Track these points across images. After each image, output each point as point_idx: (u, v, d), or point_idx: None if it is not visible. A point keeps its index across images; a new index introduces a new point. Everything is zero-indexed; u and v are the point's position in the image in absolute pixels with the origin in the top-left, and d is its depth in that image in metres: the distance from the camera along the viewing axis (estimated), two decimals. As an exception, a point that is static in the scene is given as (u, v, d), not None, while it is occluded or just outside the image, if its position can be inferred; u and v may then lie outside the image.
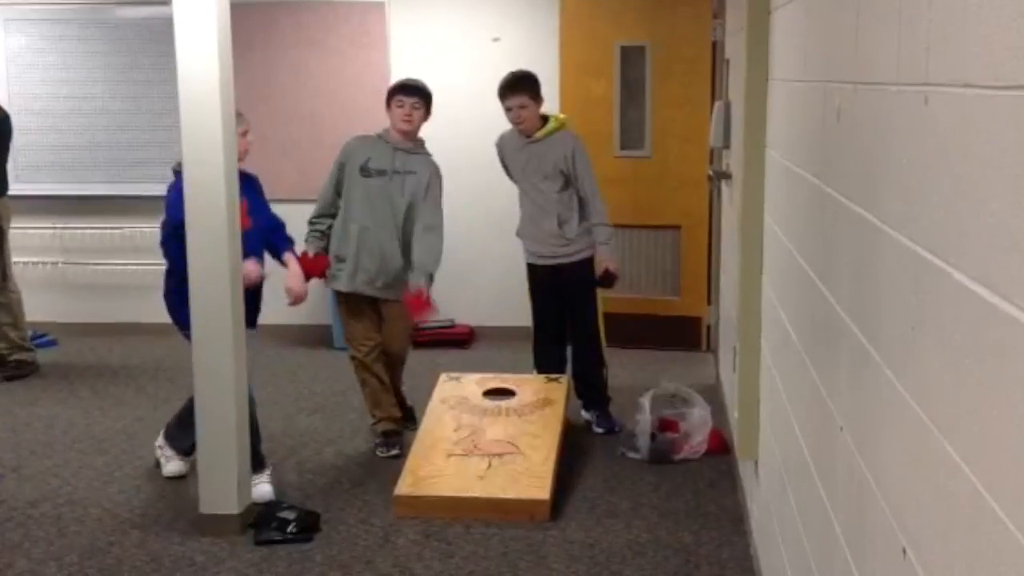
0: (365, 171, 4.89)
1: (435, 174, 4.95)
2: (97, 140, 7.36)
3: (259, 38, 6.99)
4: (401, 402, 5.22)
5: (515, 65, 5.34)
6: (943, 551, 1.40)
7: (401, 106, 4.88)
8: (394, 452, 4.88)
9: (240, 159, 4.26)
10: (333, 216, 4.96)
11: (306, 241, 4.97)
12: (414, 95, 4.90)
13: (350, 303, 4.98)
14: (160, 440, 4.81)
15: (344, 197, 4.94)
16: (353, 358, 5.00)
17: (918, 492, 1.53)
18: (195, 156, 3.96)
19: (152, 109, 7.23)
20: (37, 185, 7.08)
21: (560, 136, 5.14)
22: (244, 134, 4.38)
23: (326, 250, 4.95)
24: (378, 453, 4.94)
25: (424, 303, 4.84)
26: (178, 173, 4.23)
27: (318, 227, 4.97)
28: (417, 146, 4.98)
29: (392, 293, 4.94)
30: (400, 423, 5.05)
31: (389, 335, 5.02)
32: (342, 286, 4.93)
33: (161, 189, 7.40)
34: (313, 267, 4.86)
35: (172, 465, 4.70)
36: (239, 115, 4.25)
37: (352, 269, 4.88)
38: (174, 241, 4.28)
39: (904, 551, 1.58)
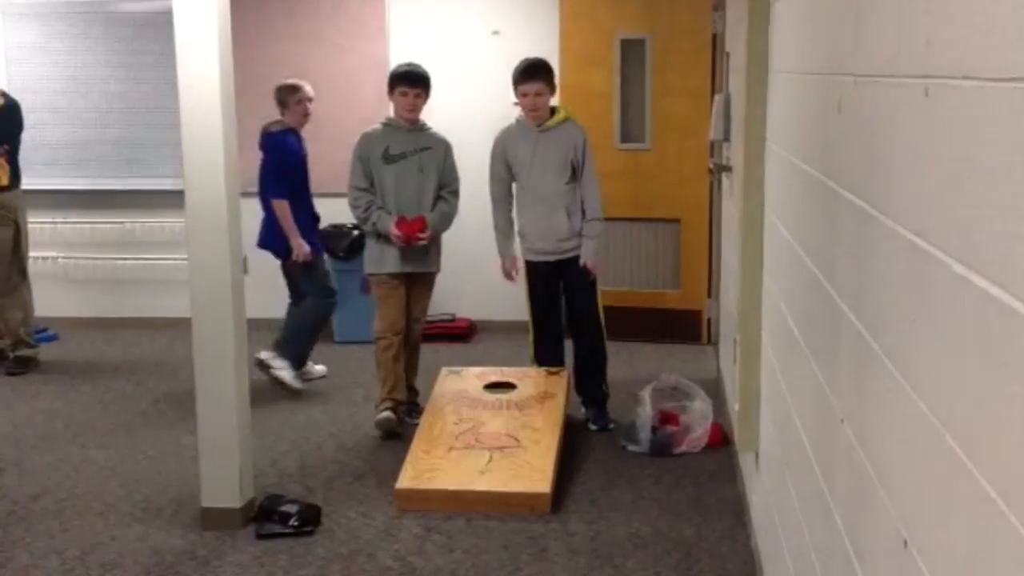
0: (388, 158, 5.10)
1: (447, 145, 5.25)
2: (98, 134, 7.37)
3: (258, 31, 6.99)
4: (411, 388, 5.34)
5: (515, 58, 5.33)
6: (944, 542, 1.41)
7: (405, 95, 5.11)
8: (386, 414, 5.06)
9: (300, 125, 5.82)
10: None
11: (377, 222, 5.05)
12: (417, 85, 5.12)
13: (388, 286, 5.13)
14: (267, 354, 5.72)
15: (375, 187, 5.13)
16: (382, 338, 5.11)
17: (919, 483, 1.53)
18: (195, 149, 3.96)
19: (152, 103, 7.23)
20: (38, 179, 7.08)
21: (570, 126, 5.18)
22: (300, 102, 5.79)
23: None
24: (375, 417, 5.10)
25: (412, 224, 5.08)
26: (271, 134, 5.78)
27: (377, 203, 5.08)
28: (422, 124, 5.23)
29: (433, 265, 5.26)
30: (400, 405, 5.17)
31: (418, 308, 5.28)
32: (392, 268, 5.10)
33: (162, 184, 7.40)
34: (414, 227, 5.06)
35: (286, 373, 5.73)
36: (298, 87, 5.80)
37: (400, 252, 5.07)
38: (277, 185, 5.70)
39: (905, 542, 1.58)
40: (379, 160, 5.09)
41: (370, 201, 5.08)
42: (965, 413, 1.32)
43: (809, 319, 2.60)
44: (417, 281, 5.23)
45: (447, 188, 5.23)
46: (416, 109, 5.13)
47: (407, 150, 5.12)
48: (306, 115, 5.86)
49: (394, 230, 5.02)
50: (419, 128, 5.19)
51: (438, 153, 5.18)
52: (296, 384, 5.79)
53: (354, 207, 5.14)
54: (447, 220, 5.24)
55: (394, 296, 5.14)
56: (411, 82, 5.11)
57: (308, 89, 5.87)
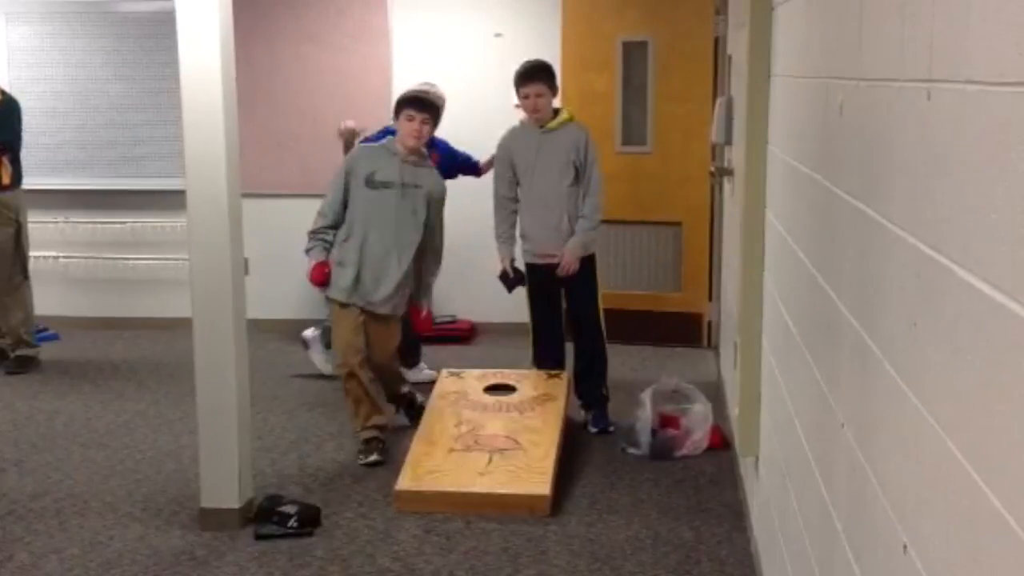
0: (371, 183, 4.74)
1: (441, 189, 4.90)
2: (100, 134, 7.37)
3: (260, 32, 6.99)
4: (411, 402, 5.20)
5: (517, 60, 5.33)
6: (944, 547, 1.41)
7: (411, 120, 4.74)
8: (373, 458, 4.75)
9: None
10: (338, 228, 4.80)
11: (308, 251, 4.81)
12: (425, 111, 4.75)
13: (340, 311, 4.81)
14: (312, 333, 6.03)
15: (348, 208, 4.77)
16: (340, 366, 4.82)
17: (919, 488, 1.53)
18: (197, 149, 3.96)
19: (154, 103, 7.24)
20: (40, 179, 7.08)
21: (573, 127, 5.18)
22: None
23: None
24: (358, 460, 4.79)
25: (426, 319, 5.13)
26: (367, 139, 5.36)
27: (324, 237, 4.78)
28: (422, 159, 4.88)
29: (387, 307, 4.80)
30: (384, 430, 4.87)
31: (375, 348, 4.84)
32: (341, 296, 4.76)
33: (163, 184, 7.43)
34: (322, 273, 4.77)
35: (320, 357, 5.98)
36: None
37: (352, 281, 4.73)
38: None
39: (905, 547, 1.58)
40: (360, 182, 4.73)
41: (326, 229, 4.76)
42: (966, 418, 1.32)
43: (809, 322, 2.60)
44: (374, 321, 4.80)
45: (431, 247, 4.88)
46: (421, 136, 4.75)
47: (396, 181, 4.74)
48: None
49: (309, 268, 4.73)
50: (417, 163, 4.82)
51: (427, 193, 4.80)
52: (327, 368, 5.92)
53: (317, 217, 4.82)
54: (435, 276, 5.01)
55: (345, 321, 4.76)
56: (419, 106, 4.73)
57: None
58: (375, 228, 4.75)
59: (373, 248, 4.75)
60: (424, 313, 5.09)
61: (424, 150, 4.91)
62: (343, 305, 4.78)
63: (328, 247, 4.79)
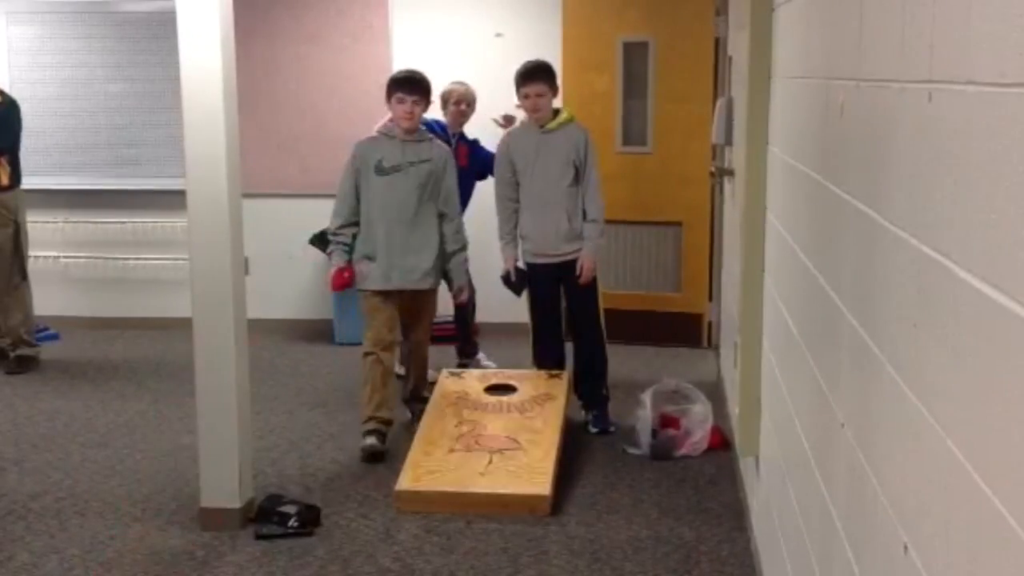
0: (381, 170, 4.88)
1: (448, 159, 5.02)
2: (100, 134, 7.37)
3: (261, 32, 6.99)
4: (422, 398, 5.20)
5: (518, 60, 5.33)
6: (944, 547, 1.41)
7: (402, 103, 4.87)
8: (371, 441, 4.80)
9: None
10: (356, 224, 4.93)
11: (329, 253, 5.01)
12: (415, 92, 4.89)
13: (374, 301, 4.93)
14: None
15: (363, 199, 4.92)
16: (368, 354, 4.89)
17: (919, 488, 1.53)
18: (197, 149, 3.96)
19: (154, 103, 7.24)
20: (40, 178, 7.08)
21: (573, 127, 5.19)
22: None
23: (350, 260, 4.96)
24: (364, 442, 4.83)
25: (465, 301, 5.42)
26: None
27: (342, 239, 4.93)
28: (421, 135, 5.01)
29: (427, 283, 4.98)
30: (388, 425, 4.92)
31: (418, 322, 5.10)
32: (375, 285, 4.89)
33: (163, 183, 7.43)
34: (341, 280, 4.93)
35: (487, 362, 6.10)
36: (444, 92, 5.67)
37: (386, 268, 4.87)
38: None
39: (905, 547, 1.58)
40: (370, 171, 4.88)
41: (343, 229, 4.92)
42: (967, 418, 1.32)
43: (810, 323, 2.60)
44: (413, 299, 4.99)
45: (448, 218, 5.00)
46: (413, 117, 4.88)
47: (402, 162, 4.87)
48: (459, 115, 5.79)
49: (329, 275, 4.95)
50: (418, 138, 4.96)
51: (436, 165, 4.94)
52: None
53: (332, 218, 4.99)
54: (461, 243, 5.08)
55: (380, 312, 4.91)
56: (408, 88, 4.87)
57: (455, 92, 5.81)
58: (395, 212, 4.88)
59: (396, 232, 4.88)
60: (464, 297, 5.29)
61: (422, 127, 5.06)
62: (382, 295, 4.91)
63: (347, 249, 4.92)
